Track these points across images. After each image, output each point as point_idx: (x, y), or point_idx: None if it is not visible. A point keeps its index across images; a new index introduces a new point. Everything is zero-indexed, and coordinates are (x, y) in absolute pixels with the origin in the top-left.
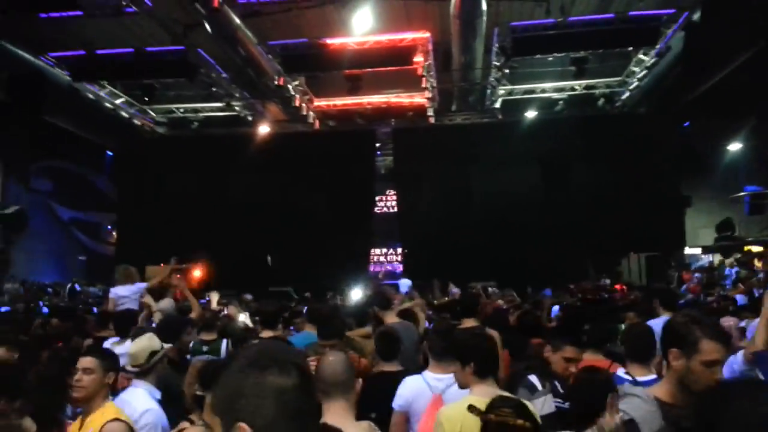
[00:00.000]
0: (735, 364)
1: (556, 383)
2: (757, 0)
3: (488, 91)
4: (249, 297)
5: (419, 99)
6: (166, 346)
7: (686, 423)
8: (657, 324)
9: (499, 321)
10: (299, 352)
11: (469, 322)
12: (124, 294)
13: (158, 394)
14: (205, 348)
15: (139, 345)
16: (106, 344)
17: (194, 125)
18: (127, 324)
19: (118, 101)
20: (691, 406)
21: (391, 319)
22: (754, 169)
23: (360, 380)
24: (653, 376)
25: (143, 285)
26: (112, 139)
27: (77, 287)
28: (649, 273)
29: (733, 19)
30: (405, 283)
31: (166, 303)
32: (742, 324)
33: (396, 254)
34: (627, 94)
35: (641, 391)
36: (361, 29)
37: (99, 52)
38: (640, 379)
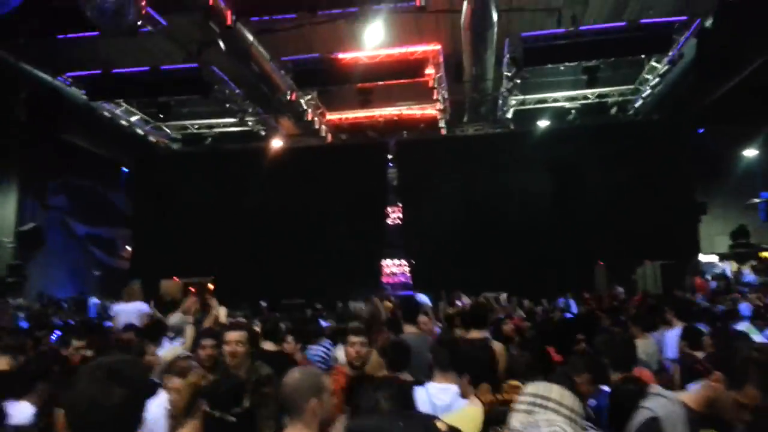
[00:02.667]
0: None
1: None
2: None
3: (500, 101)
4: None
5: (431, 111)
6: None
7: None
8: (672, 335)
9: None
10: None
11: (476, 333)
12: (121, 312)
13: None
14: None
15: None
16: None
17: (208, 141)
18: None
19: (133, 118)
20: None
21: (409, 329)
22: None
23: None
24: None
25: (143, 306)
26: (128, 155)
27: (89, 300)
28: (664, 281)
29: (745, 25)
30: (423, 299)
31: (176, 318)
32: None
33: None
34: (640, 101)
35: (669, 393)
36: (373, 43)
37: (115, 71)
38: None
